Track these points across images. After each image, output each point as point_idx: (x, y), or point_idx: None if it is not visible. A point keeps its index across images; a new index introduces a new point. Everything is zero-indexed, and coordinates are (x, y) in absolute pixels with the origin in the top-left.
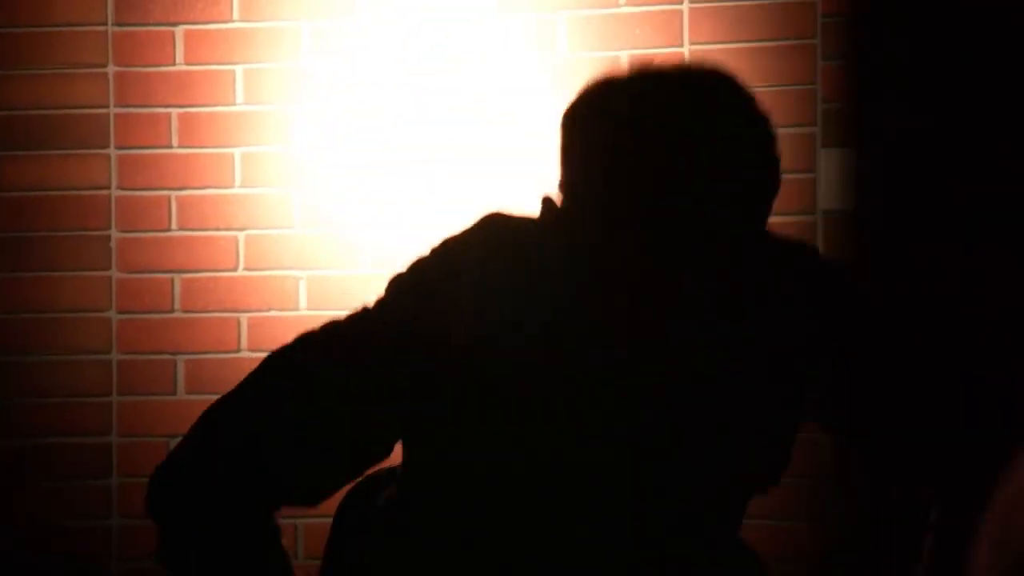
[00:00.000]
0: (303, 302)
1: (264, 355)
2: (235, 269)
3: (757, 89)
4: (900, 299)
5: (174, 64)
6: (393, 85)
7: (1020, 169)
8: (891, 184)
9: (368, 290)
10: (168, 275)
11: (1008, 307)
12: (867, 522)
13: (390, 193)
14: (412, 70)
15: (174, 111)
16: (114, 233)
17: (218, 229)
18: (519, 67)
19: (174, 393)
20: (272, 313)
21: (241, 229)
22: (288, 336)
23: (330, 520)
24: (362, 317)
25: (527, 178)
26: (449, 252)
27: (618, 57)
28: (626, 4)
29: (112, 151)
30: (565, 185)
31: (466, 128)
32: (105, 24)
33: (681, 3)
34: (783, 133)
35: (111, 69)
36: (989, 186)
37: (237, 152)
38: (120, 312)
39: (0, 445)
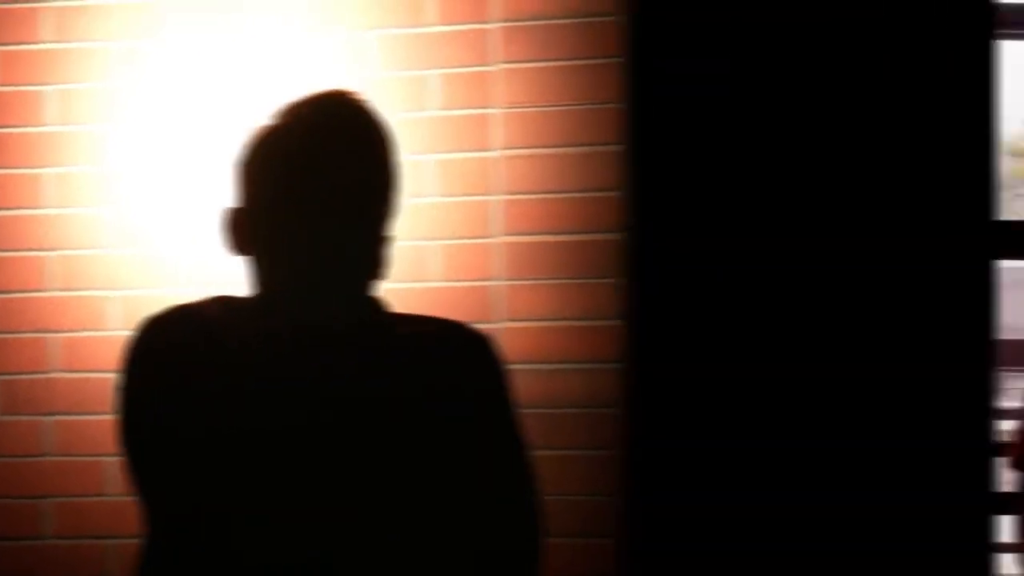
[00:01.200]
0: (116, 322)
1: (78, 376)
2: (47, 290)
3: (564, 107)
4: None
5: None
6: (205, 104)
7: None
8: (691, 198)
9: None
10: None
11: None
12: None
13: (205, 211)
14: (224, 88)
15: None
16: None
17: (30, 249)
18: (333, 85)
19: None
20: (85, 334)
21: (53, 249)
22: (99, 356)
23: None
24: None
25: None
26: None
27: (427, 76)
28: (436, 23)
29: None
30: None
31: None
32: None
33: (489, 22)
34: (591, 151)
35: None
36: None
37: (49, 172)
38: None
39: None
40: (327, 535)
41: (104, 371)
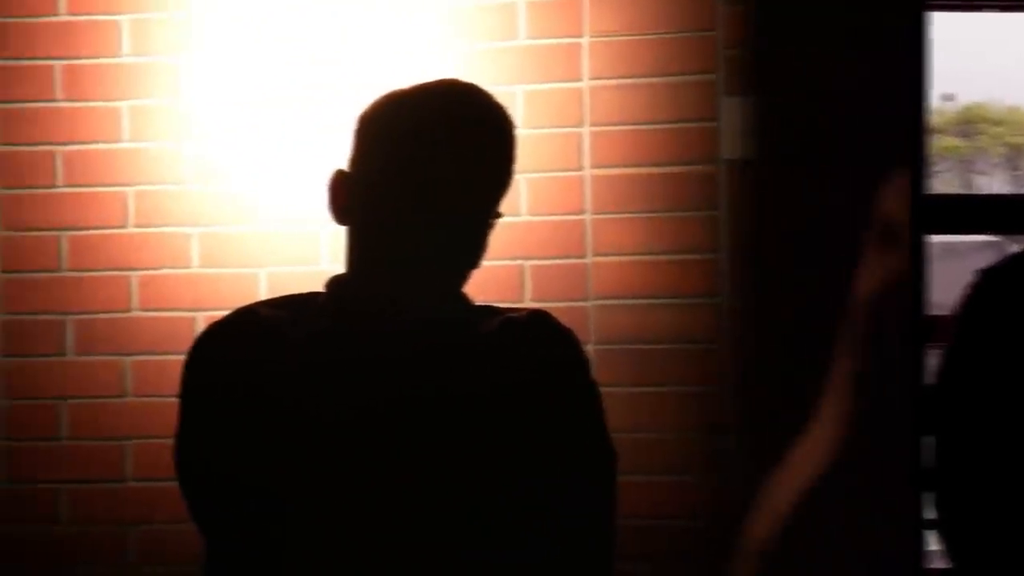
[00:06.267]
0: (195, 260)
1: (157, 315)
2: (124, 226)
3: (657, 36)
4: (793, 252)
5: (56, 14)
6: (285, 36)
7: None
8: (794, 133)
9: (262, 247)
10: (55, 233)
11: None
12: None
13: (284, 147)
14: (304, 18)
15: (58, 63)
16: None
17: (106, 185)
18: (410, 11)
19: (63, 354)
20: (164, 271)
21: (130, 184)
22: (179, 295)
23: None
24: None
25: None
26: None
27: (516, 4)
28: None
29: None
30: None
31: (364, 76)
32: None
33: None
34: (685, 81)
35: None
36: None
37: (125, 105)
38: (5, 271)
39: None
40: (388, 552)
41: (184, 310)
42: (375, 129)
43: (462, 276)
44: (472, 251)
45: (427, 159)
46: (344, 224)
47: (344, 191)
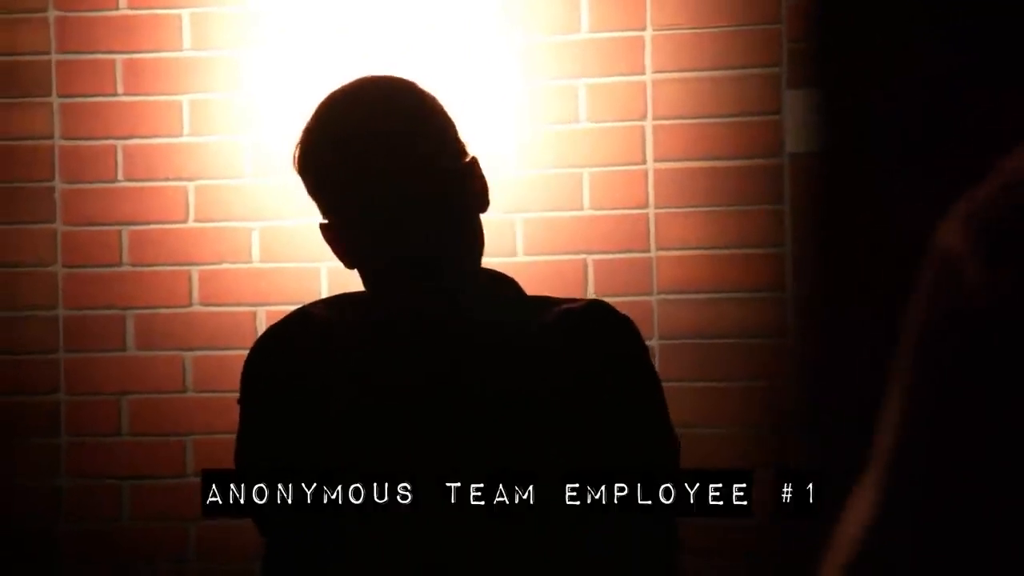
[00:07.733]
0: (256, 254)
1: (218, 310)
2: (185, 221)
3: (720, 28)
4: (864, 245)
5: (117, 8)
6: (344, 28)
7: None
8: (859, 125)
9: (323, 241)
10: (115, 227)
11: None
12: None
13: None
14: (362, 10)
15: (118, 57)
16: (58, 184)
17: (167, 179)
18: (470, 3)
19: (124, 349)
20: (224, 266)
21: (191, 179)
22: (239, 289)
23: None
24: None
25: (486, 119)
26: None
27: None
28: None
29: (54, 99)
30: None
31: (422, 68)
32: None
33: None
34: (749, 74)
35: (51, 14)
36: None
37: (185, 99)
38: (66, 266)
39: None
40: (448, 546)
41: (244, 305)
42: (312, 168)
43: (474, 234)
44: (464, 204)
45: (364, 158)
46: (354, 267)
47: (335, 237)
